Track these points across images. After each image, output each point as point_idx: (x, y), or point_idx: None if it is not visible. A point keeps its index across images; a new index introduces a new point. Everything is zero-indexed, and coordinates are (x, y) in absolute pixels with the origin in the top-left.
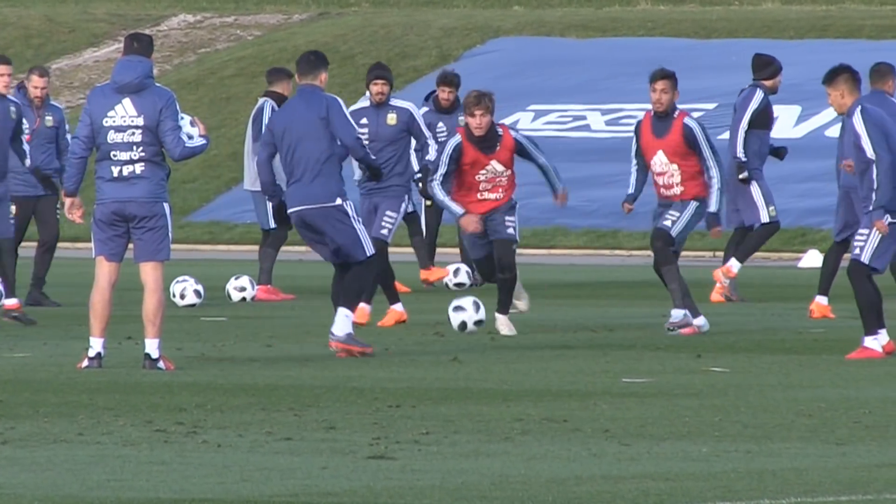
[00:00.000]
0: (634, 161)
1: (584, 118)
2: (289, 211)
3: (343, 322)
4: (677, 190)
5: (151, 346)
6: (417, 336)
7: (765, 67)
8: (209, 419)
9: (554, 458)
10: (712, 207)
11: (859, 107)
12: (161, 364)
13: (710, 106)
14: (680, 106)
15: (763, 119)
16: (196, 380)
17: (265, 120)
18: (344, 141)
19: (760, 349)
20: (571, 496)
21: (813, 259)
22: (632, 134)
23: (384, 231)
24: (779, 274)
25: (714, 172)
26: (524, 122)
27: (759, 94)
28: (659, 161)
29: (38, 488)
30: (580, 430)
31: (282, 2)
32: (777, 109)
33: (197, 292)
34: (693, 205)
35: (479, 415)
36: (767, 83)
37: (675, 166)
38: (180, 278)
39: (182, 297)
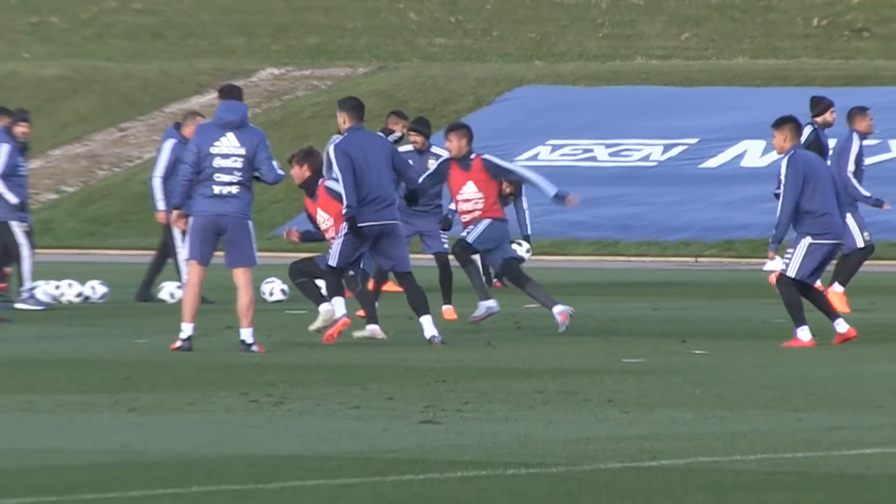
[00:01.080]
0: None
1: (591, 151)
2: (365, 224)
3: (429, 325)
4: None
5: (246, 334)
6: (458, 326)
7: (815, 106)
8: (293, 392)
9: (568, 423)
10: (550, 192)
11: (792, 153)
12: (254, 348)
13: (693, 140)
14: (667, 141)
15: (817, 150)
16: (282, 360)
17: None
18: (407, 173)
19: (734, 336)
20: (581, 453)
21: (775, 264)
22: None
23: (445, 246)
24: (749, 276)
25: (518, 175)
26: (543, 153)
27: (808, 130)
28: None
29: (157, 447)
30: (589, 400)
31: (349, 58)
32: (745, 143)
33: (283, 291)
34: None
35: (507, 388)
36: (819, 119)
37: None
38: (269, 279)
39: (271, 294)
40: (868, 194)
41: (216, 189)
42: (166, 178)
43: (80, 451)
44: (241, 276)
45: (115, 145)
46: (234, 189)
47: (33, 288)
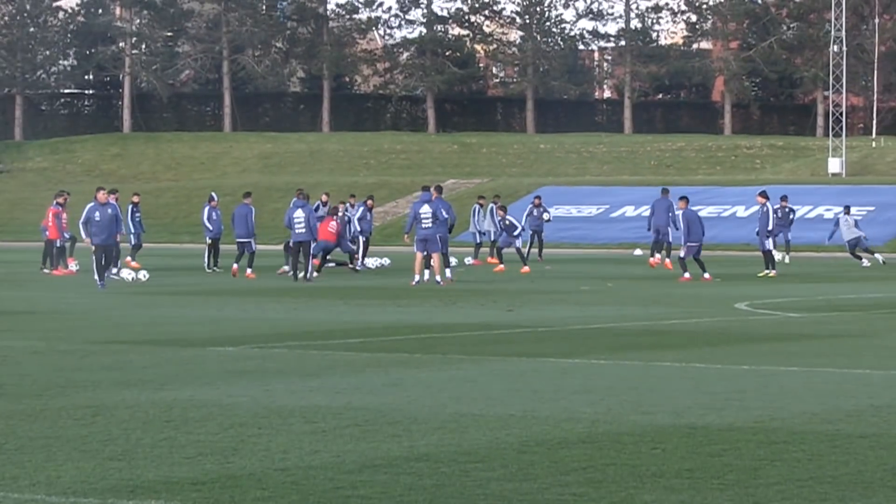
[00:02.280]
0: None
1: (570, 210)
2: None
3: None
4: None
5: (437, 278)
6: (523, 279)
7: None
8: (458, 300)
9: (561, 311)
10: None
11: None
12: (441, 283)
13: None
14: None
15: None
16: (453, 289)
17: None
18: (450, 216)
19: (630, 279)
20: (566, 322)
21: (639, 252)
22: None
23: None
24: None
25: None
26: (553, 209)
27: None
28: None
29: (407, 320)
30: (568, 302)
31: (479, 176)
32: (626, 208)
33: (381, 265)
34: None
35: (539, 298)
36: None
37: None
38: (376, 257)
39: (375, 265)
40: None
41: (423, 224)
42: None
43: (378, 322)
44: (435, 257)
45: (394, 208)
46: (430, 223)
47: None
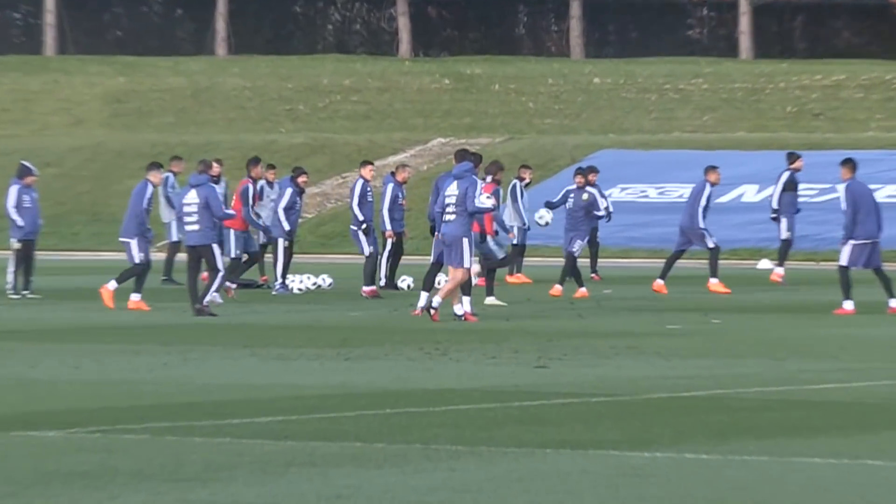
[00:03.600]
0: None
1: (645, 191)
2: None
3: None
4: None
5: (456, 309)
6: (558, 305)
7: (790, 157)
8: (452, 347)
9: (631, 368)
10: None
11: (849, 183)
12: (463, 318)
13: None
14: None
15: (792, 188)
16: (447, 327)
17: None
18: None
19: (737, 311)
20: (640, 387)
21: (765, 264)
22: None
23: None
24: (749, 273)
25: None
26: (615, 193)
27: (787, 174)
28: None
29: (363, 383)
30: (644, 352)
31: (490, 132)
32: (744, 187)
33: (409, 286)
34: None
35: (593, 345)
36: (793, 167)
37: None
38: (405, 276)
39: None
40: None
41: (445, 216)
42: (389, 209)
43: (312, 386)
44: (451, 271)
45: (340, 188)
46: (452, 217)
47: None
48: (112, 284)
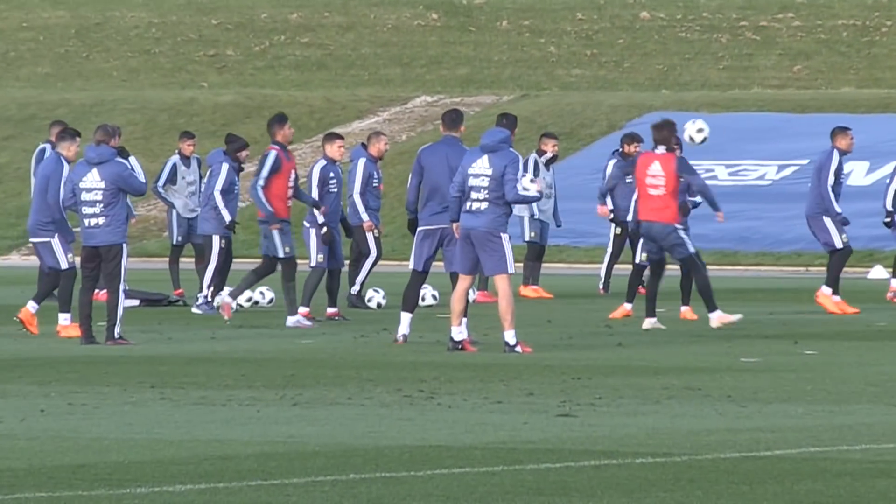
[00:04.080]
0: None
1: (713, 171)
2: (427, 228)
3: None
4: None
5: (508, 336)
6: (592, 328)
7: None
8: (442, 388)
9: (691, 417)
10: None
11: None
12: (518, 349)
13: (804, 161)
14: (780, 162)
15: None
16: (433, 359)
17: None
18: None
19: (840, 337)
20: (703, 444)
21: (878, 272)
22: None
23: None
24: (852, 283)
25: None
26: None
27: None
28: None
29: (318, 437)
30: (710, 395)
31: (495, 87)
32: (851, 164)
33: (434, 296)
34: None
35: (636, 385)
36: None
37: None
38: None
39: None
40: (839, 211)
41: (468, 205)
42: (362, 193)
43: (248, 442)
44: (499, 282)
45: None
46: (483, 205)
47: (207, 295)
48: (32, 305)
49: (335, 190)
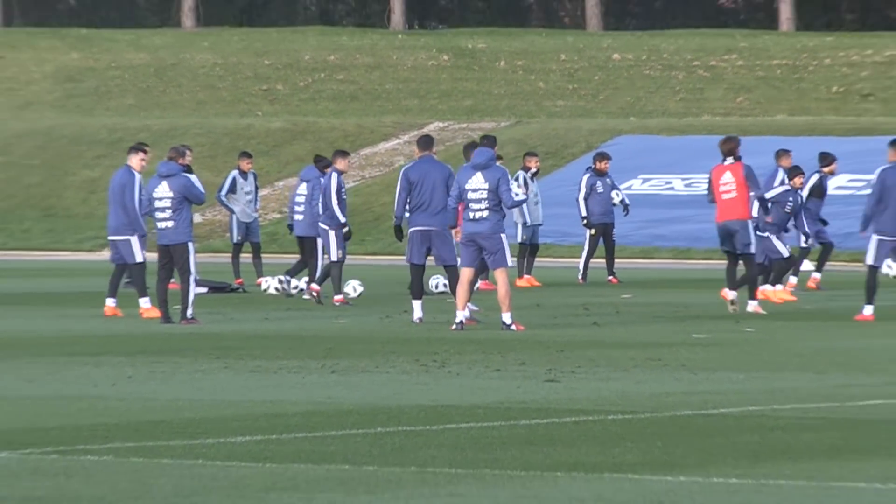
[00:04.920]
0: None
1: (671, 182)
2: (420, 229)
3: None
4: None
5: (505, 317)
6: (573, 311)
7: (823, 160)
8: (452, 358)
9: (653, 382)
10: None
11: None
12: (513, 327)
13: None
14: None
15: (819, 193)
16: (444, 336)
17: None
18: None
19: (774, 318)
20: (663, 404)
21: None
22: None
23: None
24: None
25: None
26: (636, 185)
27: (815, 177)
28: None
29: (352, 398)
30: (668, 365)
31: (494, 115)
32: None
33: (446, 284)
34: None
35: (608, 356)
36: (825, 170)
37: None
38: (435, 276)
39: (436, 287)
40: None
41: (471, 214)
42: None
43: (295, 402)
44: (499, 274)
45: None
46: (484, 213)
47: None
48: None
49: (345, 197)
